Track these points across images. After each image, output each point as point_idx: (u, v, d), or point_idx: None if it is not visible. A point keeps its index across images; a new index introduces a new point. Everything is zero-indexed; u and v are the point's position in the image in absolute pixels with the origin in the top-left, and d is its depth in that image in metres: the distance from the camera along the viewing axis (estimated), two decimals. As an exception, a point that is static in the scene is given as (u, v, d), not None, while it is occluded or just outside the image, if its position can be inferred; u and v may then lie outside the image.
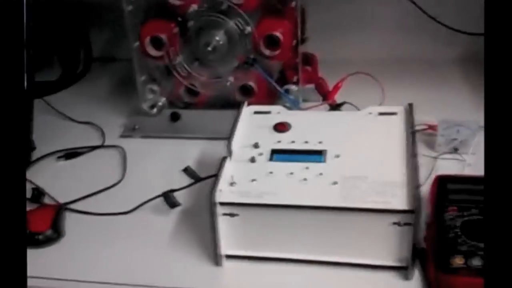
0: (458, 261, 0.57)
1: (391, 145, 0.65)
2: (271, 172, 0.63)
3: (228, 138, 0.68)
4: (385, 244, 0.60)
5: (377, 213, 0.58)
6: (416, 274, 0.60)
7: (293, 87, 0.89)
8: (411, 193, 0.58)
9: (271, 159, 0.65)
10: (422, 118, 0.78)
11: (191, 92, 0.94)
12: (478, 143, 0.79)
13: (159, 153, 0.88)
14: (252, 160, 0.65)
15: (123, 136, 0.92)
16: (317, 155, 0.65)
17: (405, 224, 0.58)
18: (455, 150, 0.80)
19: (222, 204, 0.60)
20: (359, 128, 0.68)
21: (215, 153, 0.87)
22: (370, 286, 0.60)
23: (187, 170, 0.74)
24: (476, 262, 0.56)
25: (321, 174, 0.62)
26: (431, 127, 0.83)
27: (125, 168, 0.84)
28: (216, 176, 0.62)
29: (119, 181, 0.81)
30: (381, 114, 0.70)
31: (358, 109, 0.79)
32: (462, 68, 1.04)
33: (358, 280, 0.60)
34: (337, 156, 0.64)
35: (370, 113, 0.70)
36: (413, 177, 0.59)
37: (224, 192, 0.61)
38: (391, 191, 0.59)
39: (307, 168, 0.63)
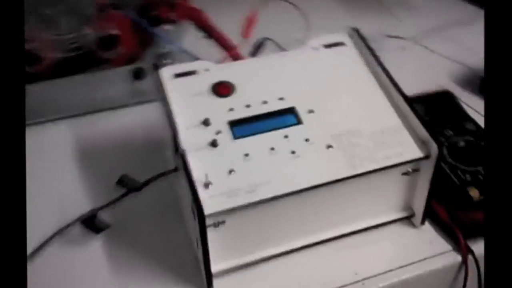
0: (473, 193, 0.52)
1: (361, 82, 0.55)
2: (246, 155, 0.48)
3: (169, 121, 0.49)
4: (393, 197, 0.52)
5: (389, 168, 0.49)
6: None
7: (170, 27, 0.71)
8: (419, 134, 0.50)
9: (234, 135, 0.50)
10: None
11: (29, 58, 0.68)
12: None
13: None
14: (213, 144, 0.49)
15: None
16: (288, 116, 0.52)
17: (414, 171, 0.51)
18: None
19: (210, 215, 0.44)
20: (314, 70, 0.56)
21: (94, 133, 0.67)
22: (381, 246, 0.53)
23: (122, 181, 0.53)
24: (490, 190, 0.53)
25: (307, 140, 0.50)
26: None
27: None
28: (188, 179, 0.45)
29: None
30: (327, 46, 0.58)
31: (281, 47, 0.66)
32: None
33: (368, 244, 0.53)
34: (311, 111, 0.52)
35: (315, 48, 0.58)
36: (408, 114, 0.51)
37: (206, 200, 0.45)
38: (395, 139, 0.50)
39: (286, 136, 0.50)
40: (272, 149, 0.49)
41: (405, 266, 0.51)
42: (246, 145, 0.49)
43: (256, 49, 0.66)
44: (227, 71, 0.55)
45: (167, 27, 0.71)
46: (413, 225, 0.54)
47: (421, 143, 0.50)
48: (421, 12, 0.89)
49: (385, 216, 0.53)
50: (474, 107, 0.66)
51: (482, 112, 0.65)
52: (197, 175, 0.46)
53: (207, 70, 0.55)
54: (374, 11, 0.91)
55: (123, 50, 0.70)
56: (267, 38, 0.66)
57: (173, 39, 0.71)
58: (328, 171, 0.48)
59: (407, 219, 0.54)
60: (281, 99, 0.53)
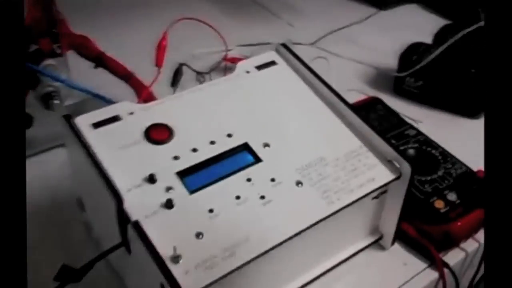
0: (439, 205, 0.50)
1: (305, 102, 0.50)
2: (211, 210, 0.40)
3: (105, 186, 0.39)
4: (364, 222, 0.48)
5: (364, 197, 0.44)
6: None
7: (53, 61, 0.59)
8: (383, 154, 0.46)
9: (189, 189, 0.41)
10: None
11: None
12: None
13: None
14: (168, 204, 0.40)
15: None
16: (243, 154, 0.45)
17: (383, 192, 0.47)
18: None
19: (191, 298, 0.36)
20: (253, 96, 0.49)
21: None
22: (360, 277, 0.49)
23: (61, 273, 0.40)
24: (452, 197, 0.51)
25: (273, 180, 0.43)
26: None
27: None
28: (153, 256, 0.36)
29: None
30: (259, 68, 0.52)
31: (195, 70, 0.58)
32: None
33: (342, 280, 0.48)
34: (267, 145, 0.45)
35: (248, 72, 0.51)
36: (365, 131, 0.47)
37: (181, 278, 0.36)
38: (361, 163, 0.46)
39: (248, 180, 0.43)
40: (238, 197, 0.42)
41: (389, 295, 0.48)
42: (206, 198, 0.41)
43: (175, 78, 0.57)
44: (157, 112, 0.46)
45: (50, 61, 0.59)
46: (382, 248, 0.51)
47: (388, 163, 0.46)
48: (312, 16, 0.87)
49: (357, 244, 0.49)
50: (397, 110, 0.65)
51: (407, 114, 0.64)
52: (160, 249, 0.37)
53: (131, 113, 0.46)
54: (264, 20, 0.87)
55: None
56: (183, 64, 0.58)
57: (59, 75, 0.60)
58: (307, 212, 0.42)
59: (375, 243, 0.51)
60: (229, 135, 0.46)
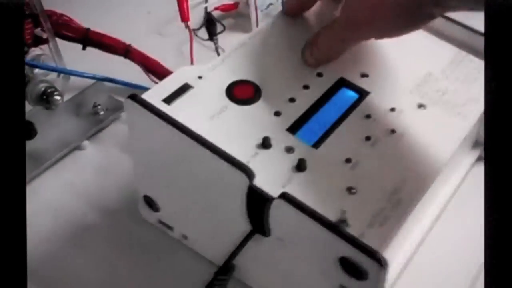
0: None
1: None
2: (348, 160, 0.33)
3: (218, 165, 0.31)
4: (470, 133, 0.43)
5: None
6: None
7: (39, 50, 0.49)
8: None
9: (311, 144, 0.34)
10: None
11: None
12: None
13: None
14: (300, 167, 0.32)
15: None
16: (344, 91, 0.37)
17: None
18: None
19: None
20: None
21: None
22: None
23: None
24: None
25: (393, 109, 0.36)
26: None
27: None
28: (325, 226, 0.29)
29: None
30: None
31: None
32: None
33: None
34: (364, 75, 0.39)
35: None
36: (459, 35, 0.41)
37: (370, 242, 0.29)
38: (469, 67, 0.40)
39: (368, 116, 0.36)
40: (368, 138, 0.35)
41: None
42: (335, 149, 0.34)
43: (210, 29, 0.48)
44: (228, 69, 0.37)
45: (37, 51, 0.49)
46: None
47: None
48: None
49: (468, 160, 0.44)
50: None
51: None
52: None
53: (200, 77, 0.37)
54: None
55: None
56: (209, 13, 0.49)
57: (53, 64, 0.49)
58: (447, 133, 0.36)
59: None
60: (319, 75, 0.38)
